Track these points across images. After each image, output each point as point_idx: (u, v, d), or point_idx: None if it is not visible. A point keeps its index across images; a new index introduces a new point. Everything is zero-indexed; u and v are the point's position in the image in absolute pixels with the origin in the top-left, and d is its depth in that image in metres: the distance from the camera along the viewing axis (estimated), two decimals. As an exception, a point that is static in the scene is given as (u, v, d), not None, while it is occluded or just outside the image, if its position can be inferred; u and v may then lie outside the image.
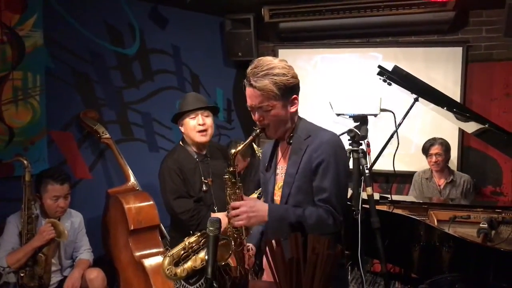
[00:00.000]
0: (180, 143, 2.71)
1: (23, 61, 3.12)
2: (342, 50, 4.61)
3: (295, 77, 1.72)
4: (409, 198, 3.62)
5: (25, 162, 2.77)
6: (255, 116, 1.73)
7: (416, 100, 3.01)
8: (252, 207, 1.65)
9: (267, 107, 1.68)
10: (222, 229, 2.04)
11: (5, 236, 2.74)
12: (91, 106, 3.60)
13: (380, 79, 2.93)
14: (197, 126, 2.57)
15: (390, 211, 2.99)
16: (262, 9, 4.35)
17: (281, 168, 1.81)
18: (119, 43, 3.83)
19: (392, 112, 2.76)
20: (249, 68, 1.70)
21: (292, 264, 1.21)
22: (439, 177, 3.86)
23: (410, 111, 3.03)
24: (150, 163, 3.67)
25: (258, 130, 1.73)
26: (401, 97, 3.23)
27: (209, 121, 2.62)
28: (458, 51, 4.23)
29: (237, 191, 1.71)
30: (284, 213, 1.65)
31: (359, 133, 2.53)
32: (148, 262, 3.11)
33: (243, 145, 1.73)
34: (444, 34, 4.33)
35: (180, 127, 2.67)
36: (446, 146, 3.81)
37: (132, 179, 3.47)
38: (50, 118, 3.30)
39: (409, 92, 2.98)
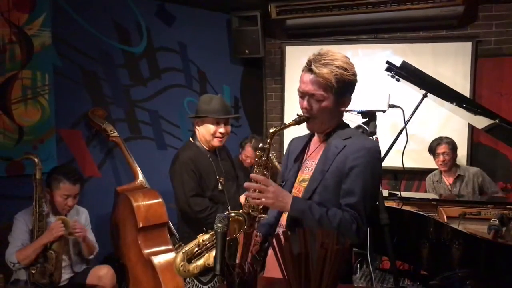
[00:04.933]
0: (191, 139, 2.66)
1: (31, 60, 3.15)
2: (350, 46, 4.58)
3: (355, 75, 1.68)
4: (418, 194, 3.58)
5: (35, 160, 2.78)
6: (304, 103, 1.66)
7: (425, 96, 2.98)
8: (280, 192, 1.60)
9: (320, 97, 1.62)
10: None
11: (13, 233, 2.76)
12: (99, 104, 3.62)
13: (388, 75, 2.90)
14: (217, 133, 2.56)
15: (399, 207, 2.97)
16: (269, 6, 4.34)
17: (309, 162, 1.73)
18: (126, 41, 3.85)
19: (401, 108, 2.74)
20: (312, 55, 1.66)
21: (300, 259, 1.20)
22: (448, 176, 3.82)
23: (419, 107, 3.00)
24: (158, 161, 3.69)
25: (301, 117, 1.66)
26: (410, 93, 3.21)
27: (229, 129, 2.63)
28: (467, 46, 4.18)
29: (264, 171, 1.65)
30: (306, 209, 1.57)
31: (368, 129, 2.52)
32: (157, 260, 3.13)
33: (282, 126, 1.68)
34: (453, 29, 4.29)
35: (196, 126, 2.61)
36: (453, 145, 3.76)
37: (141, 177, 3.49)
38: (59, 116, 3.33)
39: (418, 88, 2.95)
